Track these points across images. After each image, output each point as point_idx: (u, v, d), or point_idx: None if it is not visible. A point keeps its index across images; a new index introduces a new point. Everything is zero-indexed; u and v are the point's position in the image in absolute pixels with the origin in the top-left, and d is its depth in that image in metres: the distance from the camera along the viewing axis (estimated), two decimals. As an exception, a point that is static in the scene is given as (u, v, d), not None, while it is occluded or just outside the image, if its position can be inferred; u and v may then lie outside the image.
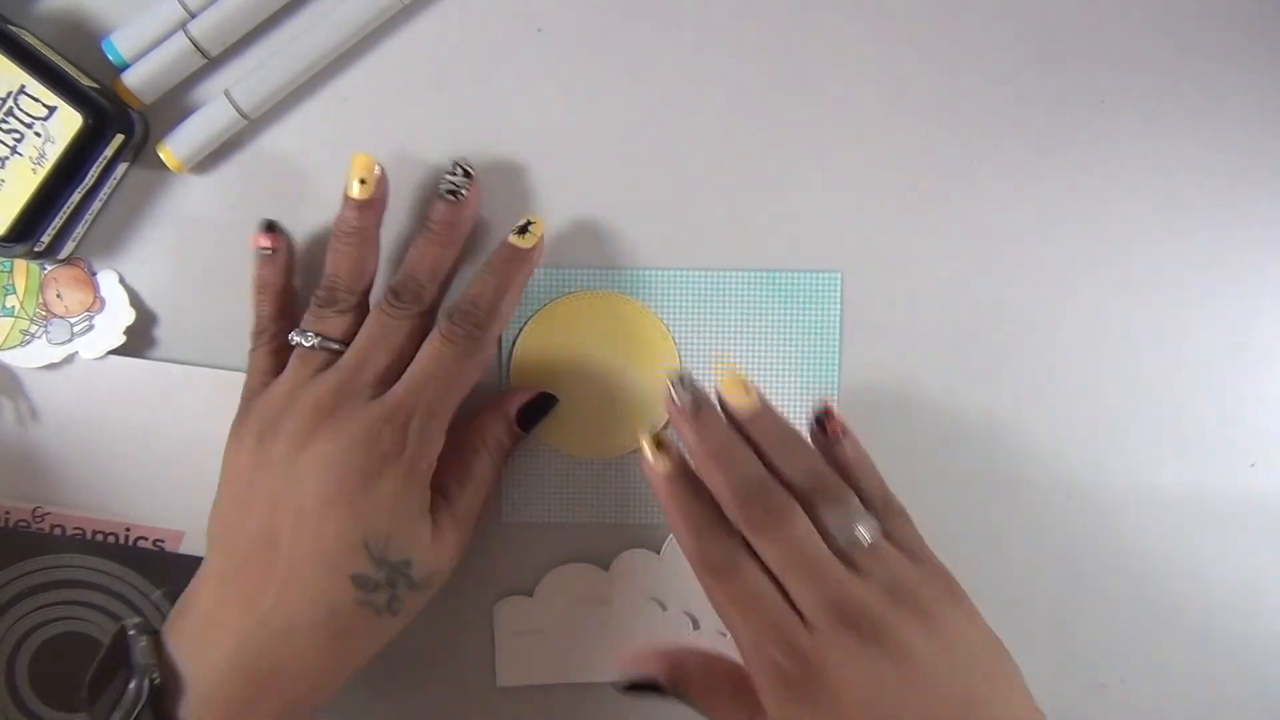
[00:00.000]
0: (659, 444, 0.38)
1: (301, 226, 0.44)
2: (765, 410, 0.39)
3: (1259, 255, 0.45)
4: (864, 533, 0.37)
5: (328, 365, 0.40)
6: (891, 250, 0.45)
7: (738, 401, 0.38)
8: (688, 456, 0.39)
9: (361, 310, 0.42)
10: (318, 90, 0.44)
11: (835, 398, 0.45)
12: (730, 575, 0.37)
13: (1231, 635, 0.46)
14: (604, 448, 0.45)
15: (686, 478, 0.38)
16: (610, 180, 0.45)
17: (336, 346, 0.41)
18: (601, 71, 0.44)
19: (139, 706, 0.36)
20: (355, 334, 0.41)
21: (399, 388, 0.40)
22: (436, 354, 0.40)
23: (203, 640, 0.38)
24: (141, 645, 0.38)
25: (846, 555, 0.37)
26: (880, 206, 0.45)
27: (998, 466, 0.45)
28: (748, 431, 0.38)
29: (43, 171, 0.41)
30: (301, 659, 0.38)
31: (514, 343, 0.45)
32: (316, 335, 0.41)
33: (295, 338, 0.41)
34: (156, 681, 0.37)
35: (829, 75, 0.44)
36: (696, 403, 0.38)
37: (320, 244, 0.44)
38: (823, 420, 0.40)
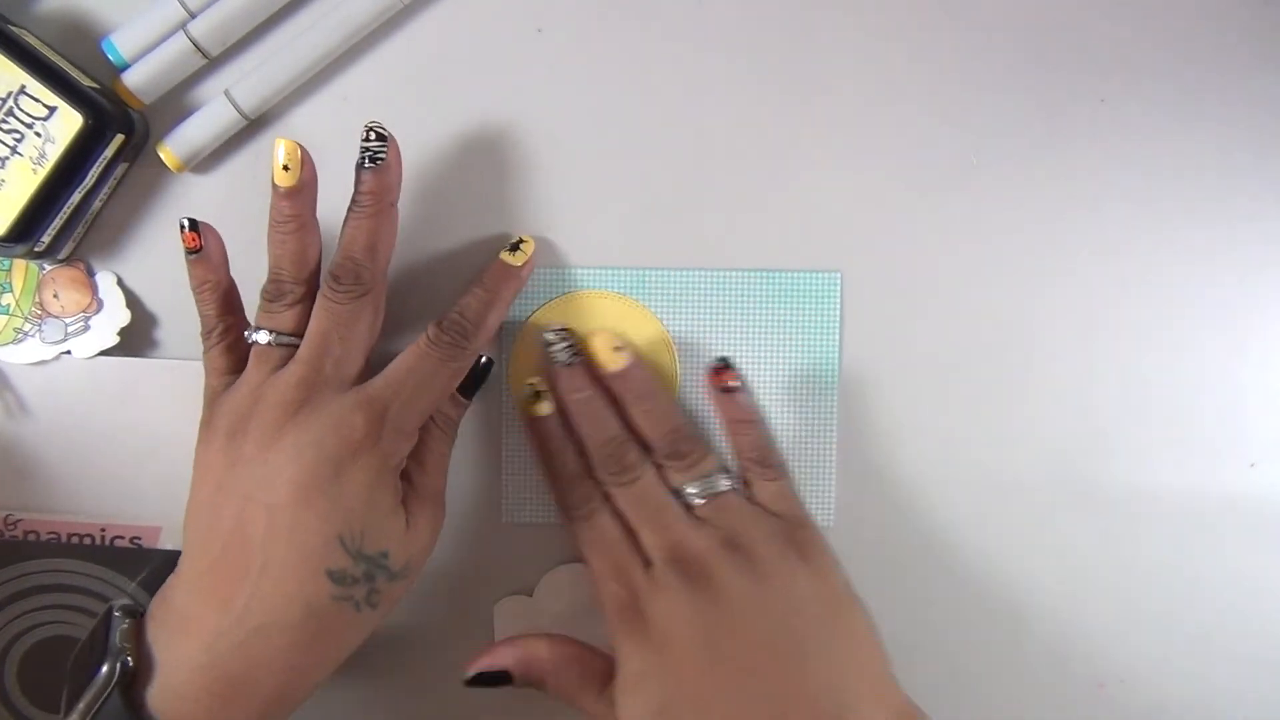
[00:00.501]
0: (536, 395, 0.43)
1: (301, 226, 0.44)
2: (633, 369, 0.43)
3: (1259, 254, 0.45)
4: (702, 488, 0.42)
5: (287, 359, 0.40)
6: (891, 250, 0.45)
7: (605, 360, 0.43)
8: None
9: (312, 299, 0.41)
10: (318, 90, 0.44)
11: (835, 397, 0.45)
12: (584, 518, 0.42)
13: (1231, 635, 0.46)
14: None
15: (556, 427, 0.43)
16: (610, 180, 0.45)
17: (292, 340, 0.40)
18: (601, 71, 0.44)
19: (109, 688, 0.36)
20: (306, 322, 0.40)
21: (377, 380, 0.40)
22: (420, 354, 0.40)
23: (177, 635, 0.38)
24: (123, 628, 0.38)
25: (690, 506, 0.42)
26: (880, 206, 0.45)
27: (998, 466, 0.45)
28: (616, 389, 0.43)
29: (43, 171, 0.41)
30: (276, 657, 0.37)
31: (514, 342, 0.45)
32: (271, 331, 0.40)
33: (251, 336, 0.40)
34: (129, 666, 0.37)
35: (829, 74, 0.44)
36: (568, 359, 0.43)
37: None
38: (718, 371, 0.44)
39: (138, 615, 0.39)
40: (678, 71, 0.44)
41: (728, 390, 0.43)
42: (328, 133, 0.44)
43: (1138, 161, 0.45)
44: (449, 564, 0.45)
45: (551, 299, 0.45)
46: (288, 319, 0.40)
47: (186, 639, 0.37)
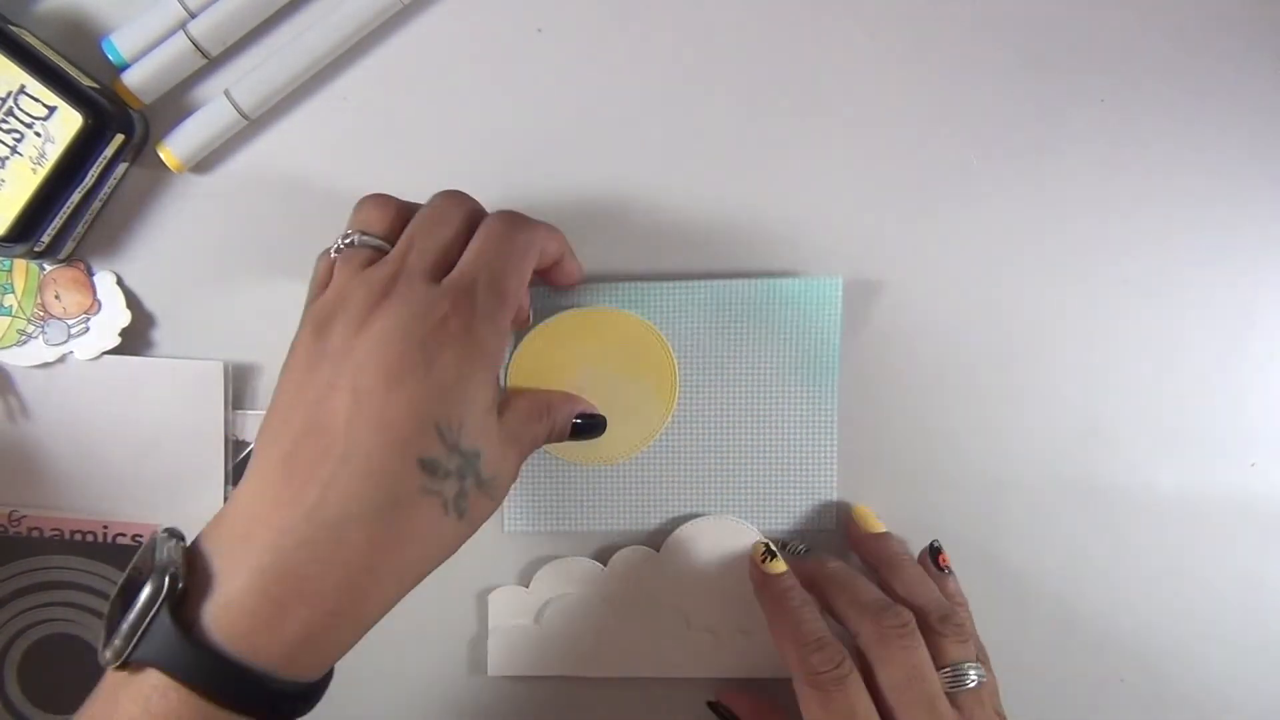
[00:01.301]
0: (769, 552, 0.42)
1: (301, 226, 0.44)
2: (889, 536, 0.44)
3: (1259, 254, 0.45)
4: (975, 676, 0.39)
5: (375, 260, 0.37)
6: (892, 251, 0.45)
7: (868, 525, 0.44)
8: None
9: (405, 208, 0.39)
10: (318, 90, 0.44)
11: (834, 401, 0.45)
12: (833, 688, 0.38)
13: (1231, 635, 0.46)
14: (604, 454, 0.45)
15: (794, 584, 0.41)
16: (610, 182, 0.45)
17: (378, 242, 0.38)
18: (601, 71, 0.44)
19: (156, 605, 0.32)
20: (399, 231, 0.38)
21: (458, 265, 0.37)
22: (492, 228, 0.38)
23: (237, 543, 0.33)
24: (169, 546, 0.34)
25: (950, 693, 0.39)
26: (880, 206, 0.45)
27: (998, 466, 0.45)
28: (877, 551, 0.43)
29: (43, 171, 0.41)
30: (351, 555, 0.33)
31: (511, 357, 0.44)
32: (358, 232, 0.38)
33: (337, 241, 0.38)
34: (178, 580, 0.32)
35: (829, 78, 0.44)
36: (807, 550, 0.44)
37: (317, 246, 0.44)
38: (937, 551, 0.44)
39: (181, 537, 0.35)
40: (678, 73, 0.44)
41: (948, 571, 0.44)
42: (328, 133, 0.44)
43: (1137, 161, 0.44)
44: (450, 570, 0.45)
45: (549, 317, 0.44)
46: (377, 220, 0.38)
47: (247, 544, 0.33)
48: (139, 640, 0.32)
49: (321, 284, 0.38)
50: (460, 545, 0.36)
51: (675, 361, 0.45)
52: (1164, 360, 0.45)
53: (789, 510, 0.45)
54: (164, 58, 0.43)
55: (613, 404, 0.44)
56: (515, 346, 0.44)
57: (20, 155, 0.41)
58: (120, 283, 0.45)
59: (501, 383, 0.45)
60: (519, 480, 0.45)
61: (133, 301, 0.45)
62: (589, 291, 0.44)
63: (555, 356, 0.44)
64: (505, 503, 0.45)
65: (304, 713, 0.34)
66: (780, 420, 0.45)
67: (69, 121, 0.41)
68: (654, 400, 0.44)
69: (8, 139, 0.41)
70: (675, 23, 0.44)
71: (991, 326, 0.45)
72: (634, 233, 0.45)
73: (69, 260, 0.45)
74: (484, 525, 0.45)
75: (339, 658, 0.34)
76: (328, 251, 0.39)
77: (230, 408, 0.45)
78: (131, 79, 0.43)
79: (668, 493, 0.45)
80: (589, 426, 0.43)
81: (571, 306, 0.44)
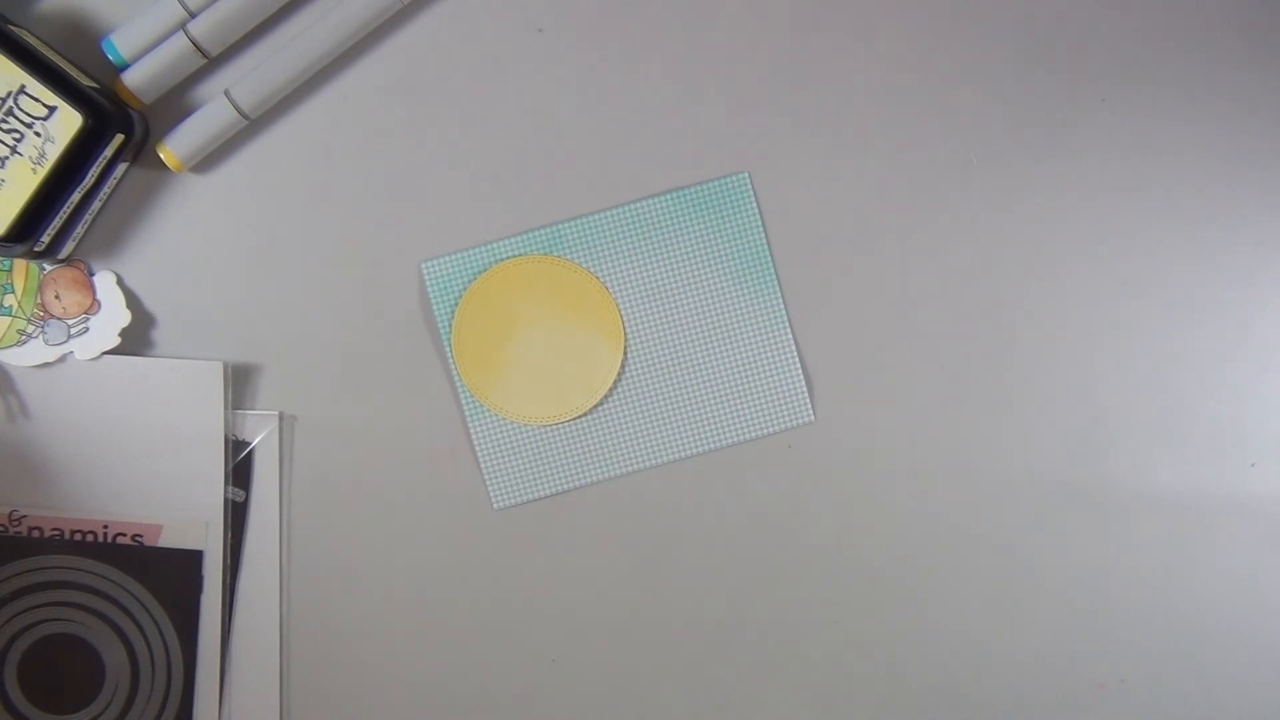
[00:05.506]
0: None
1: (301, 226, 0.44)
2: None
3: (1258, 254, 0.45)
4: None
5: None
6: (892, 249, 0.45)
7: None
8: None
9: None
10: (318, 90, 0.44)
11: (777, 292, 0.45)
12: None
13: (1231, 635, 0.46)
14: (568, 408, 0.45)
15: None
16: (608, 181, 0.45)
17: None
18: (601, 71, 0.44)
19: None
20: None
21: None
22: None
23: None
24: None
25: None
26: (880, 205, 0.45)
27: (998, 466, 0.45)
28: None
29: (43, 171, 0.41)
30: None
31: (453, 324, 0.44)
32: None
33: None
34: None
35: (829, 77, 0.44)
36: None
37: (316, 246, 0.44)
38: None
39: None
40: (677, 73, 0.44)
41: None
42: (328, 133, 0.44)
43: (1138, 161, 0.45)
44: (450, 561, 0.45)
45: (480, 273, 0.44)
46: None
47: None
48: None
49: None
50: None
51: (615, 302, 0.45)
52: (1163, 360, 0.45)
53: (764, 414, 0.45)
54: (164, 58, 0.43)
55: (565, 356, 0.45)
56: (450, 315, 0.44)
57: (20, 155, 0.41)
58: (120, 283, 0.45)
59: (449, 355, 0.45)
60: (493, 456, 0.45)
61: (133, 301, 0.45)
62: (511, 243, 0.45)
63: (495, 321, 0.45)
64: (487, 481, 0.45)
65: None
66: (731, 327, 0.45)
67: (69, 121, 0.41)
68: (604, 344, 0.45)
69: (8, 139, 0.41)
70: (675, 23, 0.44)
71: (990, 325, 0.45)
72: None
73: (69, 260, 0.45)
74: (476, 517, 0.45)
75: None
76: None
77: (230, 408, 0.45)
78: (131, 79, 0.43)
79: (644, 429, 0.46)
80: None
81: (497, 261, 0.45)
